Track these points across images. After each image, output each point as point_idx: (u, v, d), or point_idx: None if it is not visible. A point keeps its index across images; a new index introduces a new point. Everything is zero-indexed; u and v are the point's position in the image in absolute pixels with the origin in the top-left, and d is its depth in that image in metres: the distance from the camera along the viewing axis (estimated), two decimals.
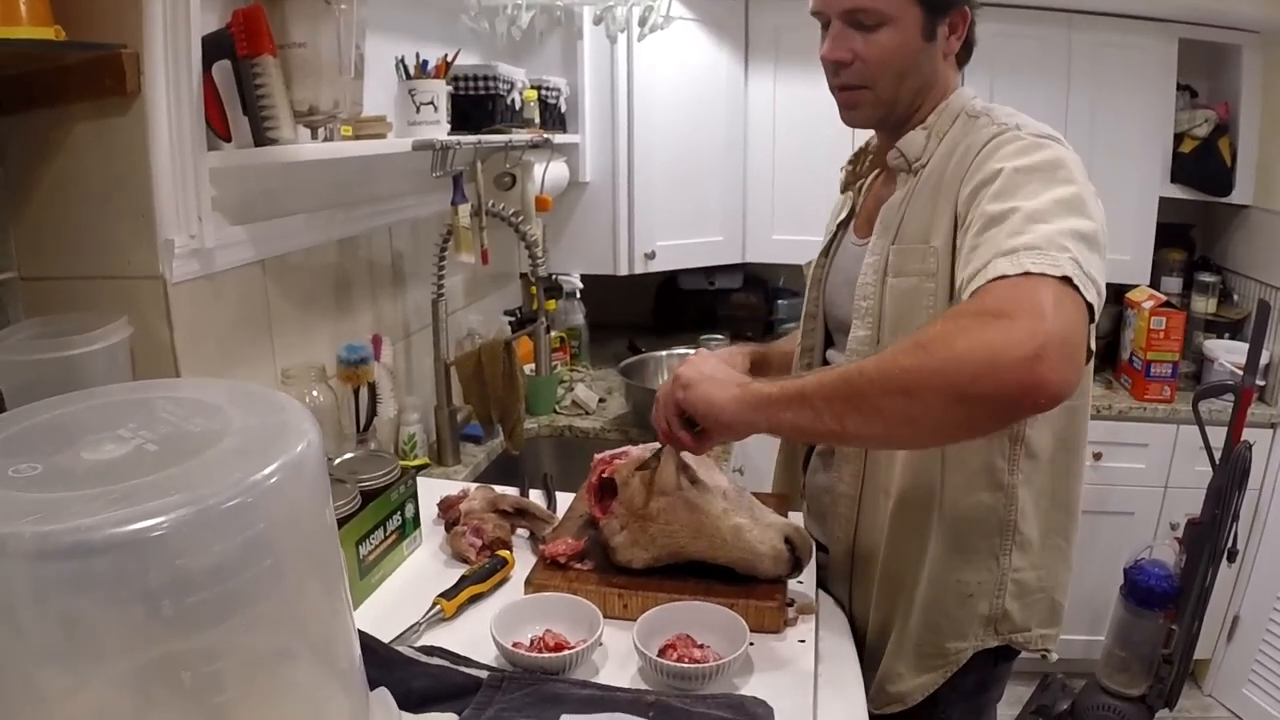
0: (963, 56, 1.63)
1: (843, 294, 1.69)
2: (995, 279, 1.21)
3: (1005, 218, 1.28)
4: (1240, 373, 3.11)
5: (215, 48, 1.70)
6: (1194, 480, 3.27)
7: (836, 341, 1.76)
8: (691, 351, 3.48)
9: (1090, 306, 1.20)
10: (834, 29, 1.56)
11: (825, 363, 1.80)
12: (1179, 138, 3.64)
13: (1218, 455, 3.03)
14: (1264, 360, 3.15)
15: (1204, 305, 3.71)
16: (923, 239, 1.51)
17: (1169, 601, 3.10)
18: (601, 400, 3.29)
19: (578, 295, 3.74)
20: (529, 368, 2.90)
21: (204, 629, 0.81)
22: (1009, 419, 1.38)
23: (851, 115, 1.63)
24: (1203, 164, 3.62)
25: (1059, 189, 1.32)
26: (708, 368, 1.47)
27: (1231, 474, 2.97)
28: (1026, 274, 1.19)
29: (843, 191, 1.87)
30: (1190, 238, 3.97)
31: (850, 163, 1.84)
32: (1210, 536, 3.01)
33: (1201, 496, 3.07)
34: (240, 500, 0.78)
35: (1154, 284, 3.75)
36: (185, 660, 0.82)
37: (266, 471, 0.80)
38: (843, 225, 1.81)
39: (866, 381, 1.23)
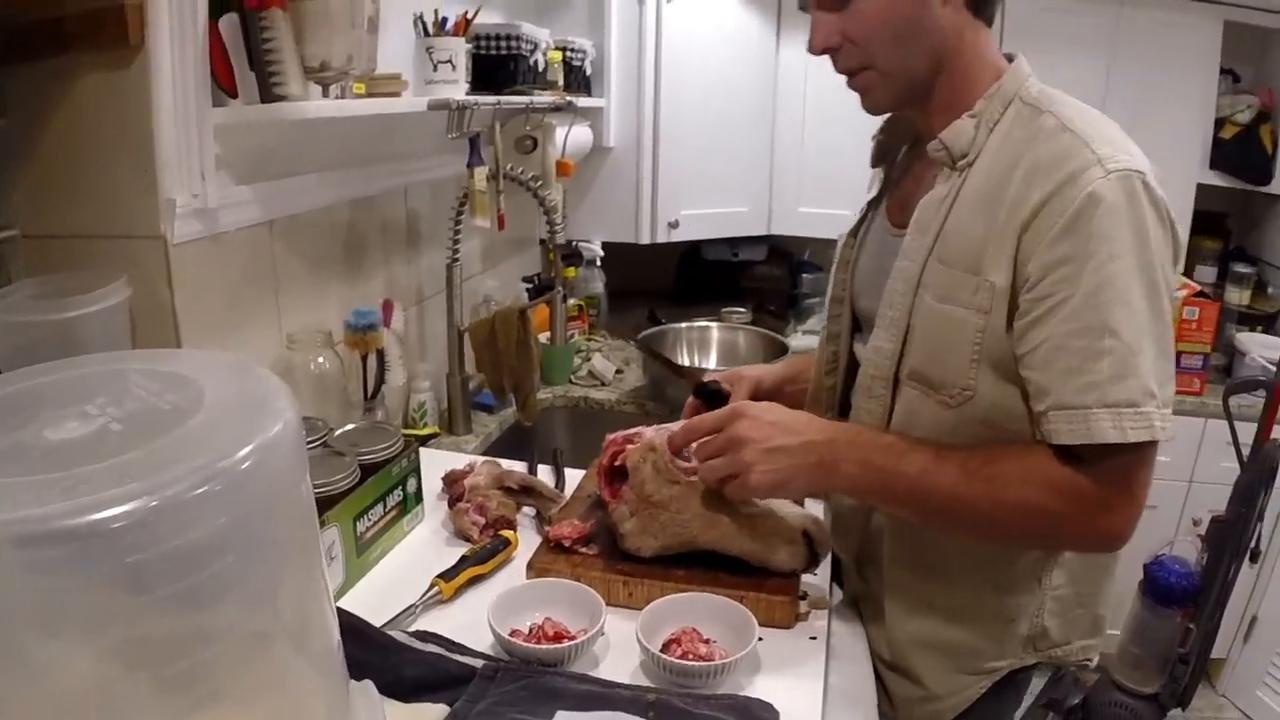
0: (977, 3, 1.44)
1: (872, 286, 1.59)
2: (1098, 444, 1.28)
3: (1102, 336, 1.27)
4: (1273, 368, 3.03)
5: None
6: (1220, 476, 3.20)
7: (864, 330, 1.64)
8: (713, 325, 3.44)
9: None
10: (814, 17, 1.45)
11: (851, 353, 1.70)
12: (1220, 123, 3.57)
13: (1246, 452, 2.96)
14: None
15: (1238, 297, 3.65)
16: (973, 266, 1.38)
17: (1188, 600, 3.04)
18: (619, 371, 3.24)
19: (598, 263, 3.69)
20: (544, 336, 2.85)
21: (167, 620, 0.76)
22: None
23: (869, 101, 1.50)
24: (1243, 151, 3.55)
25: (1146, 283, 1.29)
26: (768, 458, 1.39)
27: (1260, 472, 2.90)
28: (1125, 442, 1.28)
29: (874, 165, 1.73)
30: (1226, 226, 3.89)
31: (881, 132, 1.70)
32: (1234, 535, 2.95)
33: (1227, 493, 3.00)
34: (206, 489, 0.72)
35: (1187, 272, 3.68)
36: (148, 653, 0.77)
37: (238, 456, 0.75)
38: (874, 203, 1.69)
39: (970, 510, 1.36)
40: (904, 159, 1.67)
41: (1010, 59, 1.47)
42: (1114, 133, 1.35)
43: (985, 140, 1.41)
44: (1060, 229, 1.28)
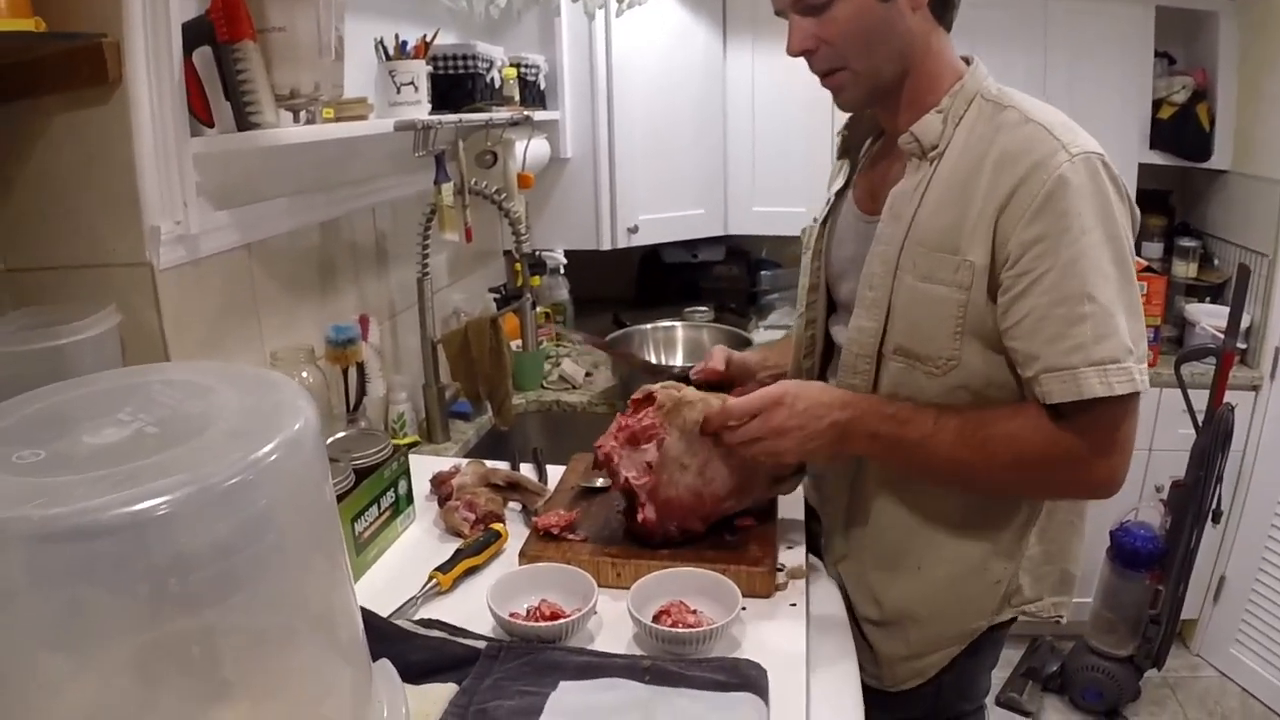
0: (940, 10, 1.55)
1: (848, 271, 1.68)
2: (1089, 400, 1.38)
3: (1081, 302, 1.38)
4: (1222, 336, 3.13)
5: (195, 34, 1.70)
6: (1178, 443, 3.29)
7: (840, 314, 1.75)
8: (678, 324, 3.51)
9: None
10: (791, 22, 1.54)
11: (829, 335, 1.79)
12: (1157, 104, 3.66)
13: (1200, 418, 3.06)
14: (1244, 323, 3.18)
15: (1184, 270, 3.74)
16: (952, 247, 1.48)
17: (1155, 563, 3.14)
18: (588, 374, 3.31)
19: (561, 271, 3.74)
20: (515, 344, 2.91)
21: (208, 607, 0.83)
22: None
23: (842, 100, 1.60)
24: (1181, 130, 3.64)
25: (1114, 252, 1.40)
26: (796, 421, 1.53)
27: (1214, 436, 3.00)
28: (1111, 396, 1.37)
29: (839, 158, 1.83)
30: (1170, 203, 3.99)
31: (846, 127, 1.80)
32: (1194, 498, 3.05)
33: (1185, 459, 3.10)
34: (242, 478, 0.79)
35: (1135, 249, 3.77)
36: (189, 638, 0.83)
37: (266, 449, 0.82)
38: (840, 194, 1.78)
39: (969, 470, 1.51)
40: (868, 152, 1.77)
41: (968, 61, 1.58)
42: (1070, 122, 1.47)
43: (952, 134, 1.51)
44: (1034, 210, 1.39)
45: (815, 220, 1.83)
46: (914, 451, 1.51)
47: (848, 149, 1.81)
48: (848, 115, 1.76)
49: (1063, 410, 1.41)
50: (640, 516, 1.59)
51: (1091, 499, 1.62)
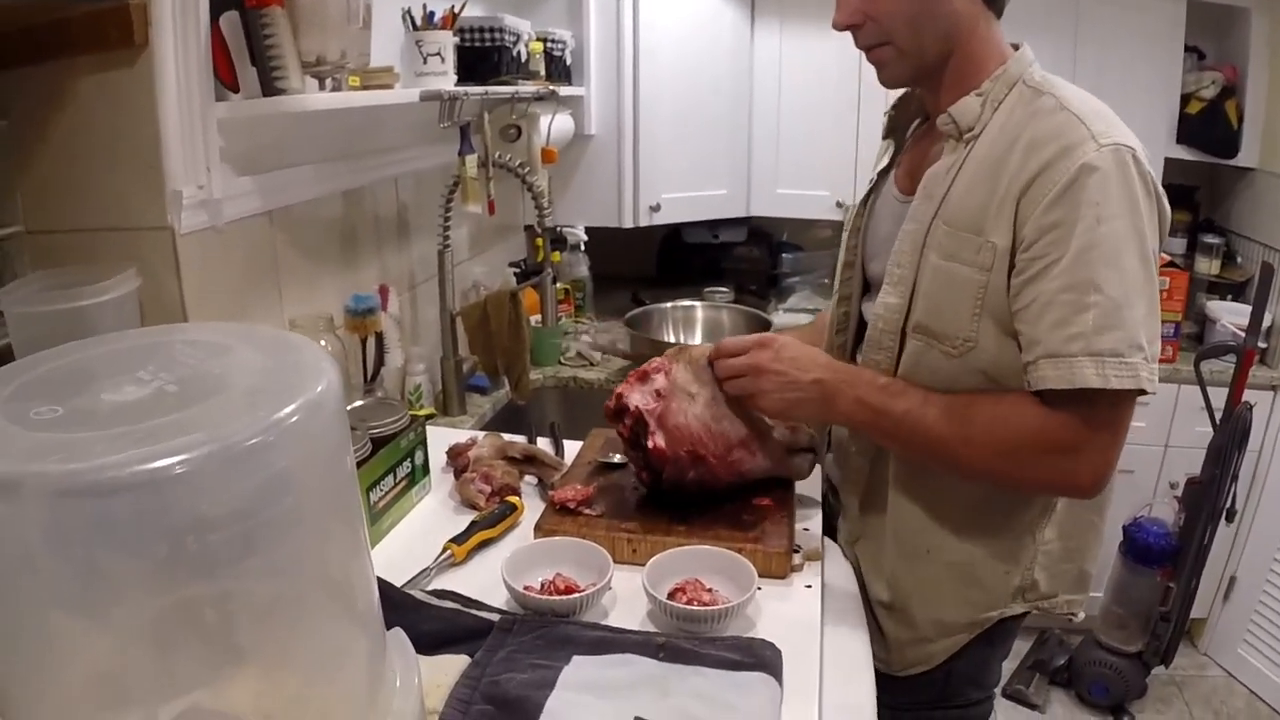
0: None
1: (882, 249, 1.67)
2: (1081, 389, 1.36)
3: (1088, 291, 1.36)
4: (1242, 334, 3.11)
5: None
6: (1194, 440, 3.28)
7: (873, 293, 1.73)
8: (697, 304, 3.51)
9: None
10: None
11: (861, 314, 1.79)
12: (1186, 99, 3.63)
13: (1218, 416, 3.05)
14: (1266, 322, 3.16)
15: (1207, 267, 3.72)
16: (976, 228, 1.47)
17: (1167, 559, 3.13)
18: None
19: (582, 247, 3.74)
20: (534, 319, 2.91)
21: (224, 569, 0.82)
22: None
23: (883, 75, 1.60)
24: (1209, 126, 3.61)
25: (1137, 246, 1.38)
26: (783, 375, 1.56)
27: (1232, 434, 2.98)
28: (1107, 388, 1.35)
29: (885, 138, 1.83)
30: (1195, 199, 3.96)
31: (893, 108, 1.81)
32: (1209, 496, 3.03)
33: (1201, 456, 3.09)
34: (262, 438, 0.78)
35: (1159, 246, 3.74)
36: (205, 601, 0.82)
37: (288, 410, 0.81)
38: (883, 173, 1.78)
39: (946, 447, 1.49)
40: (912, 134, 1.77)
41: (1016, 47, 1.57)
42: (1108, 114, 1.46)
43: (990, 117, 1.51)
44: (1055, 195, 1.38)
45: (856, 199, 1.83)
46: (899, 424, 1.51)
47: (894, 129, 1.81)
48: (894, 96, 1.77)
49: (1056, 399, 1.40)
50: (651, 444, 1.59)
51: (1071, 496, 1.60)
